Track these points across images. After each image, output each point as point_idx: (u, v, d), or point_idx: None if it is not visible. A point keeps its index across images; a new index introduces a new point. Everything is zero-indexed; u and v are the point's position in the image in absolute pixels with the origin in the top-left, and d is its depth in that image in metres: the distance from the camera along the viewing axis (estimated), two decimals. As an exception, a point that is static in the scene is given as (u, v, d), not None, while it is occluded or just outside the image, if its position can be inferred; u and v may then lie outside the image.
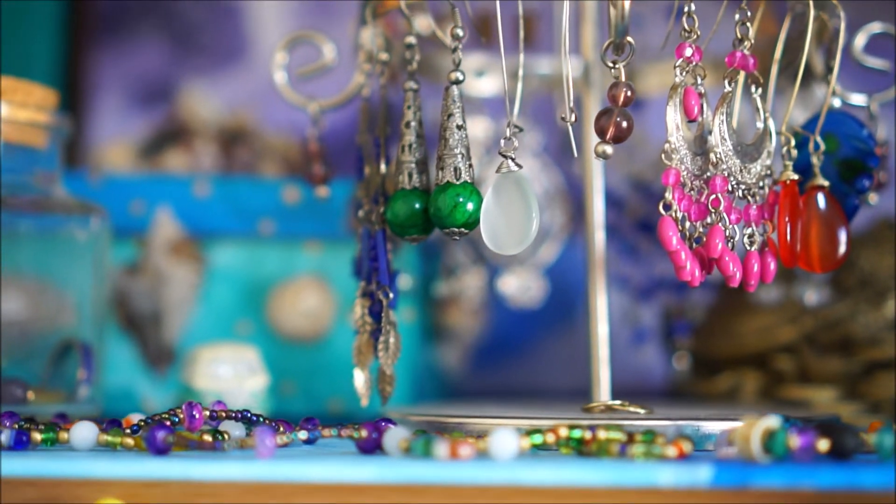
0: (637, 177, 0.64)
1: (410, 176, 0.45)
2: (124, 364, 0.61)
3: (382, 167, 0.47)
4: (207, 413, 0.43)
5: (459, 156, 0.44)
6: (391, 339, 0.45)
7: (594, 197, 0.50)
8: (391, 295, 0.45)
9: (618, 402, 0.46)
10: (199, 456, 0.39)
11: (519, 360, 0.79)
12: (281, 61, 0.53)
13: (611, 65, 0.42)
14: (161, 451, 0.39)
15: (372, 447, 0.41)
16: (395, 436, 0.39)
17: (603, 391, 0.48)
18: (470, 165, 0.44)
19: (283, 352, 0.60)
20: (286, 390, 0.61)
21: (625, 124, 0.41)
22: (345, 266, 0.62)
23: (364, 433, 0.41)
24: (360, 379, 0.48)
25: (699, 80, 0.43)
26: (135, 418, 0.44)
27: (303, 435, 0.41)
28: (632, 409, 0.46)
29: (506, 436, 0.38)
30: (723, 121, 0.43)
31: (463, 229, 0.44)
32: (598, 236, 0.50)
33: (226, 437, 0.41)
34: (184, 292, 0.60)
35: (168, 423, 0.41)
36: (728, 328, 0.62)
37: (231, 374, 0.53)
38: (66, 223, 0.52)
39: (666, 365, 0.68)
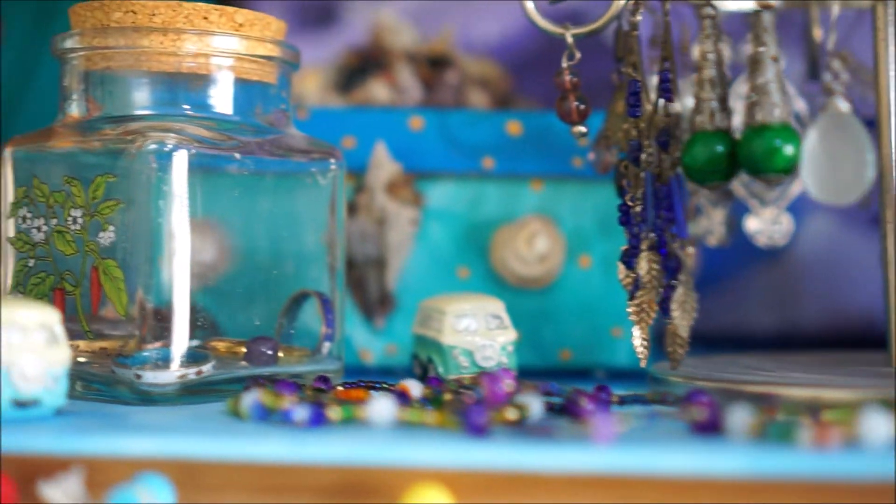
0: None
1: (712, 115, 0.40)
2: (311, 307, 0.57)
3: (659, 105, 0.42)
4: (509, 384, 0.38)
5: (775, 93, 0.39)
6: (688, 298, 0.41)
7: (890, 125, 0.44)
8: (691, 249, 0.41)
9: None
10: (525, 440, 0.35)
11: (716, 298, 0.75)
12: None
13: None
14: (480, 432, 0.35)
15: (709, 428, 0.36)
16: (740, 417, 0.35)
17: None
18: (784, 104, 0.39)
19: (508, 299, 0.55)
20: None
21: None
22: (571, 206, 0.57)
23: (702, 413, 0.35)
24: (638, 338, 0.43)
25: None
26: (413, 387, 0.41)
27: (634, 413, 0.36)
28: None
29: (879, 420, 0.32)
30: None
31: (781, 175, 0.39)
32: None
33: (526, 413, 0.37)
34: (404, 235, 0.56)
35: (468, 397, 0.38)
36: None
37: (480, 328, 0.49)
38: (307, 166, 0.48)
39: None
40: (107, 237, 0.43)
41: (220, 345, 0.47)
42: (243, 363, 0.46)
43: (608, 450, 0.33)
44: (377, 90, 0.62)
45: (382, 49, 0.64)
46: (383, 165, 0.56)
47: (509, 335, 0.50)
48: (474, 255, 0.58)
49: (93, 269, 0.44)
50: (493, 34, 0.77)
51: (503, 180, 0.57)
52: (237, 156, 0.45)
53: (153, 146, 0.43)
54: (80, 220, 0.44)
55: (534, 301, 0.57)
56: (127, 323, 0.43)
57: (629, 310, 0.44)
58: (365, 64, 0.64)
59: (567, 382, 0.54)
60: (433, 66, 0.63)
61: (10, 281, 0.47)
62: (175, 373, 0.43)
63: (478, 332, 0.49)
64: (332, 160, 0.49)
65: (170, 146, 0.43)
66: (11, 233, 0.47)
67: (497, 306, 0.50)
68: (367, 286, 0.56)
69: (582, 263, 0.57)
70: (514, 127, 0.57)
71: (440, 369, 0.49)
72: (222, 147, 0.45)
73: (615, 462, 0.33)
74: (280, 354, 0.46)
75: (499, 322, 0.50)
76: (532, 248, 0.55)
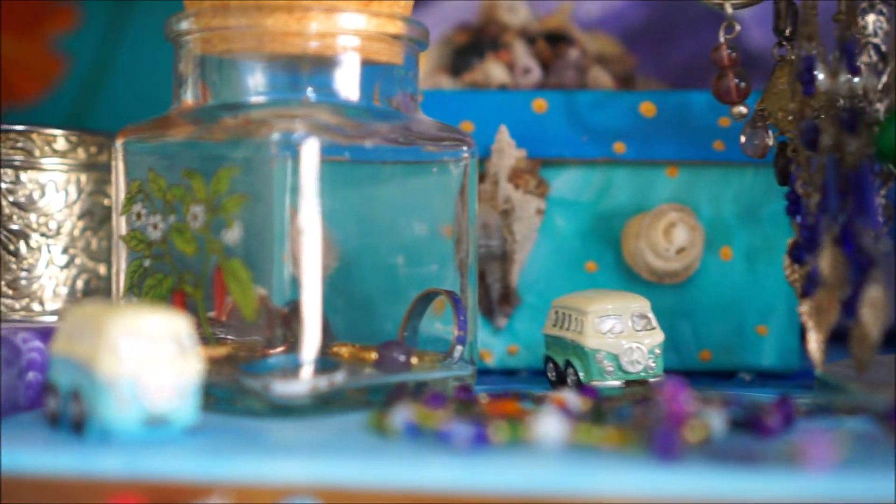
0: None
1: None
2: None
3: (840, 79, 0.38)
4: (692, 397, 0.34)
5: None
6: (881, 297, 0.37)
7: None
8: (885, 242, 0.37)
9: None
10: (721, 465, 0.30)
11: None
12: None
13: None
14: (671, 456, 0.31)
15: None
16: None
17: None
18: None
19: (642, 295, 0.52)
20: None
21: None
22: (709, 193, 0.53)
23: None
24: (814, 342, 0.39)
25: None
26: (570, 399, 0.37)
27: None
28: None
29: None
30: None
31: None
32: None
33: (708, 431, 0.33)
34: (530, 226, 0.53)
35: (645, 412, 0.34)
36: None
37: (626, 329, 0.45)
38: (438, 155, 0.44)
39: None
40: (231, 235, 0.40)
41: (344, 350, 0.44)
42: (370, 370, 0.43)
43: (827, 478, 0.29)
44: (492, 70, 0.58)
45: (495, 26, 0.60)
46: (507, 152, 0.52)
47: (657, 337, 0.45)
48: (603, 248, 0.54)
49: (216, 270, 0.41)
50: (595, 5, 0.73)
51: (635, 166, 0.53)
52: (368, 144, 0.42)
53: (281, 135, 0.40)
54: (201, 217, 0.41)
55: (670, 297, 0.52)
56: (253, 328, 0.40)
57: (802, 310, 0.40)
58: (477, 42, 0.60)
59: (708, 385, 0.51)
60: (551, 43, 0.59)
61: (123, 282, 0.44)
62: (306, 382, 0.40)
63: (623, 334, 0.45)
64: (465, 147, 0.45)
65: (298, 135, 0.40)
66: (124, 230, 0.44)
67: (643, 305, 0.46)
68: (489, 283, 0.53)
69: (723, 255, 0.53)
70: (647, 108, 0.53)
71: (581, 374, 0.45)
72: (352, 135, 0.41)
73: (836, 491, 0.29)
74: (413, 361, 0.43)
75: (645, 322, 0.46)
76: (670, 239, 0.51)
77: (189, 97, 0.43)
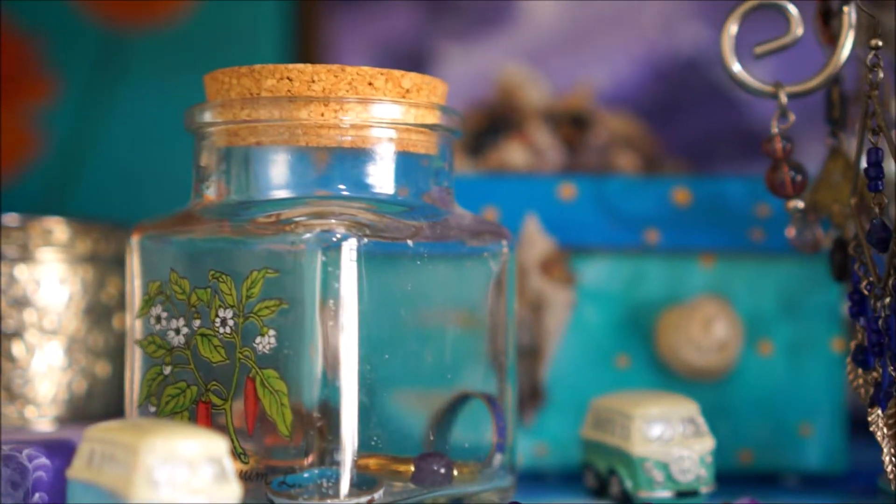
0: None
1: None
2: (477, 409, 0.51)
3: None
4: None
5: None
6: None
7: None
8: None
9: None
10: None
11: None
12: (733, 34, 0.42)
13: None
14: None
15: None
16: None
17: None
18: None
19: (678, 391, 0.50)
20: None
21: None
22: (747, 284, 0.51)
23: None
24: (889, 456, 0.37)
25: None
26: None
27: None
28: None
29: None
30: None
31: None
32: None
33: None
34: (561, 319, 0.50)
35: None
36: None
37: (675, 435, 0.43)
38: (479, 250, 0.41)
39: None
40: (266, 343, 0.37)
41: (371, 461, 0.41)
42: (406, 485, 0.40)
43: None
44: (513, 153, 0.56)
45: (513, 106, 0.58)
46: (536, 241, 0.50)
47: (707, 443, 0.43)
48: (635, 341, 0.51)
49: (248, 381, 0.37)
50: (603, 79, 0.72)
51: (668, 256, 0.51)
52: (410, 243, 0.39)
53: (318, 235, 0.37)
54: (230, 322, 0.38)
55: (707, 394, 0.49)
56: (290, 443, 0.37)
57: (877, 422, 0.37)
58: (495, 123, 0.58)
59: (750, 490, 0.48)
60: (573, 124, 0.57)
61: (138, 390, 0.40)
62: (346, 502, 0.37)
63: (673, 441, 0.42)
64: (503, 241, 0.43)
65: (338, 236, 0.37)
66: (139, 334, 0.41)
67: (691, 409, 0.43)
68: (519, 379, 0.50)
69: (762, 350, 0.50)
70: (681, 195, 0.51)
71: (627, 483, 0.43)
72: (392, 233, 0.39)
73: None
74: (456, 473, 0.40)
75: (694, 428, 0.43)
76: (709, 333, 0.49)
77: (212, 192, 0.41)
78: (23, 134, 0.76)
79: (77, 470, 0.33)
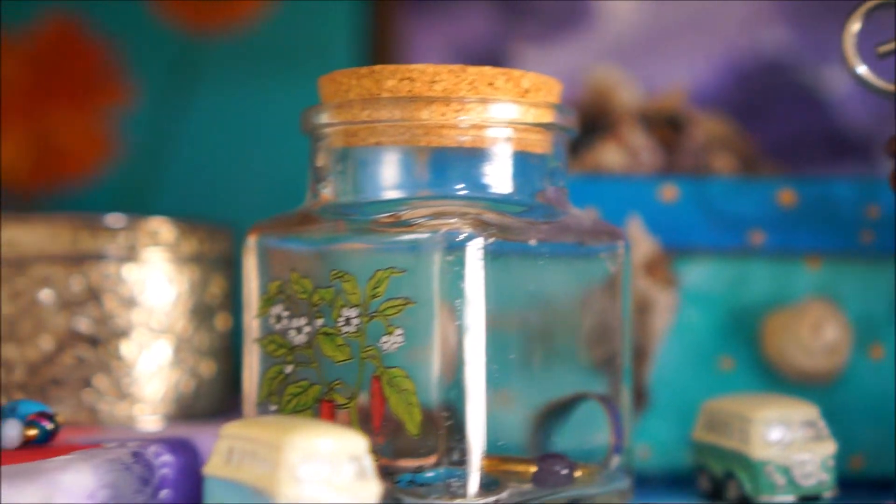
0: None
1: None
2: (591, 411, 0.49)
3: None
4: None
5: None
6: None
7: None
8: None
9: None
10: None
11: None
12: (855, 32, 0.41)
13: None
14: None
15: None
16: None
17: None
18: None
19: (784, 394, 0.49)
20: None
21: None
22: (856, 287, 0.50)
23: None
24: None
25: None
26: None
27: None
28: None
29: None
30: None
31: None
32: None
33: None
34: (664, 322, 0.50)
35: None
36: None
37: (796, 438, 0.42)
38: (596, 250, 0.41)
39: None
40: (392, 342, 0.37)
41: (494, 462, 0.41)
42: (527, 486, 0.40)
43: None
44: (608, 154, 0.55)
45: (606, 107, 0.58)
46: (640, 243, 0.50)
47: (828, 447, 0.42)
48: (739, 344, 0.50)
49: (374, 379, 0.38)
50: (686, 81, 0.71)
51: (773, 257, 0.50)
52: (533, 242, 0.39)
53: (445, 235, 0.37)
54: (354, 321, 0.38)
55: (815, 398, 0.47)
56: (416, 442, 0.37)
57: None
58: (589, 125, 0.57)
59: (864, 497, 0.48)
60: (668, 125, 0.57)
61: (256, 388, 0.41)
62: (474, 502, 0.37)
63: (794, 445, 0.42)
64: (619, 242, 0.42)
65: (464, 235, 0.37)
66: (258, 333, 0.41)
67: (811, 412, 0.43)
68: (625, 381, 0.50)
69: (873, 355, 0.50)
70: (787, 196, 0.50)
71: (747, 487, 0.42)
72: (515, 233, 0.39)
73: None
74: (578, 474, 0.40)
75: (815, 432, 0.42)
76: (819, 336, 0.48)
77: (329, 192, 0.41)
78: (101, 137, 0.77)
79: (214, 467, 0.33)
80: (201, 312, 0.50)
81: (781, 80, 0.75)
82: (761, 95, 0.74)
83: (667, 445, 0.50)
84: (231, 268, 0.54)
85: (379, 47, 0.75)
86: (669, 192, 0.51)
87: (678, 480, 0.49)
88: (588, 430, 0.42)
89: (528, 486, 0.39)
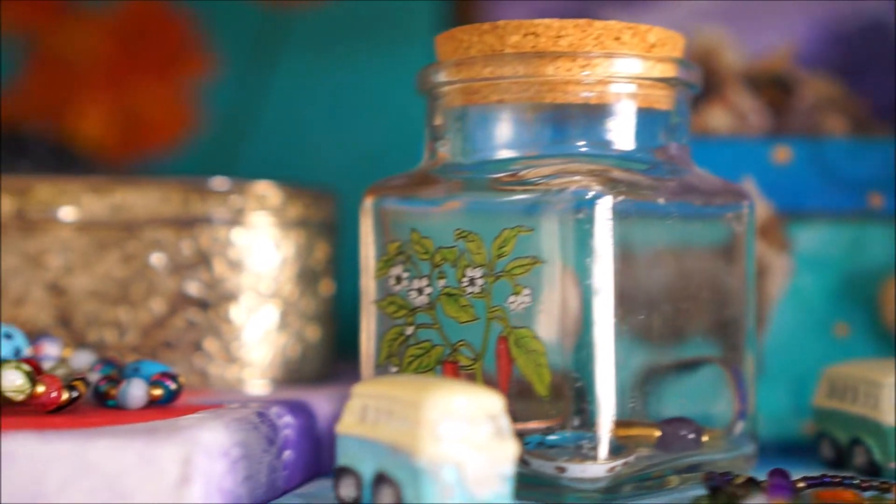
0: None
1: None
2: (706, 377, 0.46)
3: None
4: None
5: None
6: None
7: None
8: None
9: None
10: None
11: None
12: None
13: None
14: None
15: None
16: None
17: None
18: None
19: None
20: None
21: None
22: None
23: None
24: None
25: None
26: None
27: None
28: None
29: None
30: None
31: None
32: None
33: None
34: (779, 286, 0.49)
35: None
36: None
37: (924, 403, 0.41)
38: (722, 210, 0.40)
39: None
40: (520, 302, 0.37)
41: (620, 425, 0.40)
42: (652, 451, 0.39)
43: None
44: (715, 117, 0.54)
45: (711, 69, 0.57)
46: (755, 206, 0.49)
47: (958, 412, 0.41)
48: (855, 310, 0.49)
49: (500, 340, 0.37)
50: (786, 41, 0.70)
51: (892, 221, 0.49)
52: (661, 201, 0.38)
53: (574, 193, 0.36)
54: (479, 281, 0.38)
55: None
56: (543, 404, 0.37)
57: None
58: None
59: None
60: (776, 86, 0.56)
61: (374, 350, 0.40)
62: (604, 465, 0.36)
63: (919, 409, 0.41)
64: (744, 202, 0.41)
65: (593, 193, 0.36)
66: (375, 295, 0.40)
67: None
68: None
69: None
70: (906, 158, 0.49)
71: (876, 453, 0.41)
72: (644, 192, 0.38)
73: None
74: (706, 439, 0.39)
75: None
76: (942, 302, 0.47)
77: (447, 151, 0.40)
78: (185, 109, 0.77)
79: (347, 426, 0.33)
80: (306, 277, 0.50)
81: (883, 40, 0.74)
82: (864, 56, 0.72)
83: (778, 413, 0.49)
84: (333, 233, 0.53)
85: (461, 15, 0.74)
86: (783, 154, 0.50)
87: (792, 448, 0.48)
88: (710, 396, 0.41)
89: (653, 451, 0.38)
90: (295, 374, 0.49)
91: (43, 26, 0.77)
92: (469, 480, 0.30)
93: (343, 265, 0.55)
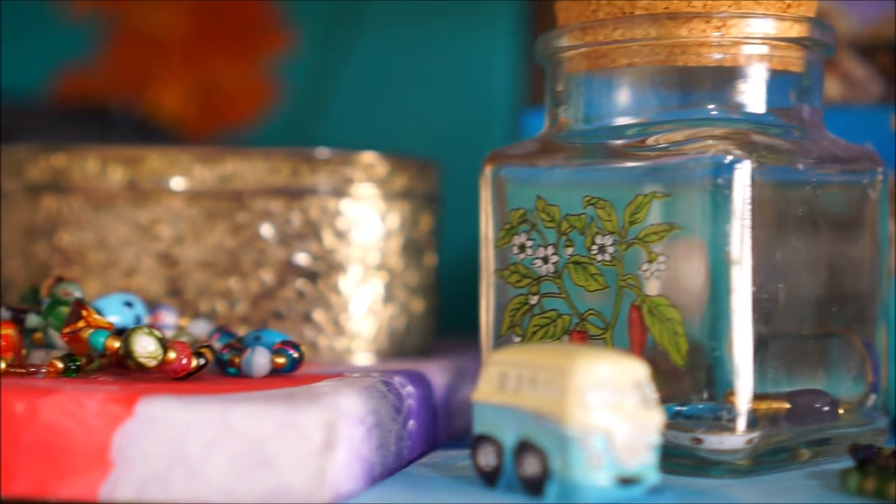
0: None
1: None
2: (837, 349, 0.47)
3: None
4: None
5: None
6: None
7: None
8: None
9: None
10: None
11: None
12: None
13: None
14: None
15: None
16: None
17: None
18: None
19: None
20: None
21: None
22: None
23: None
24: None
25: None
26: None
27: None
28: None
29: None
30: None
31: None
32: None
33: None
34: (901, 259, 0.48)
35: None
36: None
37: None
38: (858, 177, 0.39)
39: None
40: (654, 269, 0.36)
41: (731, 397, 0.39)
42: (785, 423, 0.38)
43: None
44: (827, 85, 0.53)
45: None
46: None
47: None
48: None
49: (633, 309, 0.36)
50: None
51: None
52: (800, 167, 0.37)
53: (712, 158, 0.35)
54: (609, 249, 0.37)
55: None
56: (677, 373, 0.36)
57: None
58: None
59: None
60: (889, 53, 0.54)
61: (495, 320, 0.40)
62: (742, 437, 0.35)
63: None
64: (879, 168, 0.40)
65: (731, 158, 0.35)
66: (496, 264, 0.40)
67: None
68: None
69: None
70: None
71: None
72: (783, 157, 0.37)
73: None
74: (842, 411, 0.38)
75: None
76: None
77: (570, 117, 0.39)
78: (262, 84, 0.77)
79: (485, 393, 0.32)
80: (411, 249, 0.50)
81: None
82: None
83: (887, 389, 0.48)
84: (436, 205, 0.53)
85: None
86: (902, 122, 0.49)
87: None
88: (841, 368, 0.40)
89: (787, 423, 0.37)
90: (400, 346, 0.49)
91: (125, 4, 0.77)
92: (618, 448, 0.30)
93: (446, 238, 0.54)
